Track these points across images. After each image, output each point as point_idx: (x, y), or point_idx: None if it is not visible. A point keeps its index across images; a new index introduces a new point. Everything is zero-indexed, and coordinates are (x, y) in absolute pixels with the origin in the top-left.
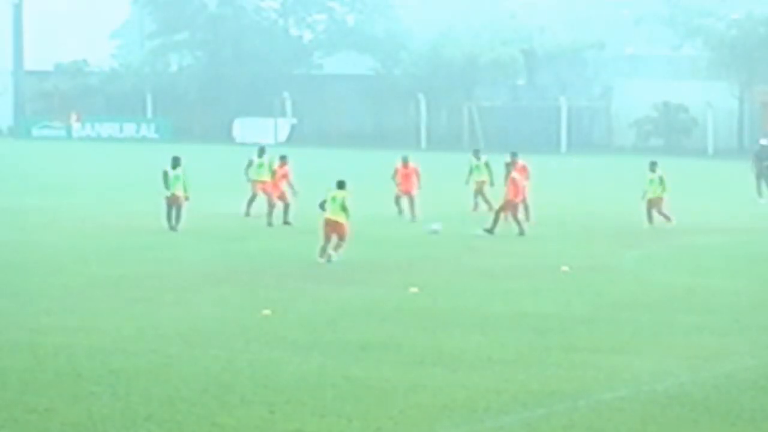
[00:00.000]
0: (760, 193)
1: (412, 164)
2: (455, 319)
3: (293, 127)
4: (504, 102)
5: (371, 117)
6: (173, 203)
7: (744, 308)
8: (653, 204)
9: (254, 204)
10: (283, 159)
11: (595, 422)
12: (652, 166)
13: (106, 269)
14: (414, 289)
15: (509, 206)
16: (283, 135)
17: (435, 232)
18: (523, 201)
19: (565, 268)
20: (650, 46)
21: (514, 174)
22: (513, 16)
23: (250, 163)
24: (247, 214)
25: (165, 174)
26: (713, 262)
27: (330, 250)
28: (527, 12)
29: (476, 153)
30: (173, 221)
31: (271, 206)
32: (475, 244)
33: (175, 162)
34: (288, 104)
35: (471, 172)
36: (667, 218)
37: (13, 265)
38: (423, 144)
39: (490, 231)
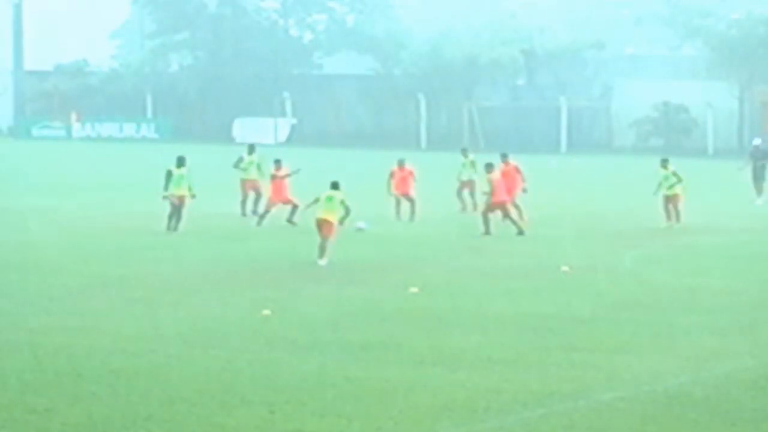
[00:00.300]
0: (758, 193)
1: (407, 166)
2: (455, 319)
3: (293, 127)
4: (504, 102)
5: (371, 117)
6: (177, 203)
7: (744, 308)
8: (671, 200)
9: (248, 203)
10: (277, 163)
11: (595, 422)
12: (664, 162)
13: (106, 269)
14: (414, 289)
15: (494, 208)
16: (283, 135)
17: (360, 229)
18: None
19: (565, 268)
20: (650, 46)
21: (493, 174)
22: (513, 16)
23: (240, 160)
24: (243, 214)
25: (169, 173)
26: (713, 262)
27: (318, 260)
28: (527, 12)
29: (464, 152)
30: (174, 221)
31: (267, 206)
32: (475, 244)
33: (180, 162)
34: (288, 104)
35: (461, 170)
36: (677, 217)
37: (13, 265)
38: (423, 144)
39: (486, 233)
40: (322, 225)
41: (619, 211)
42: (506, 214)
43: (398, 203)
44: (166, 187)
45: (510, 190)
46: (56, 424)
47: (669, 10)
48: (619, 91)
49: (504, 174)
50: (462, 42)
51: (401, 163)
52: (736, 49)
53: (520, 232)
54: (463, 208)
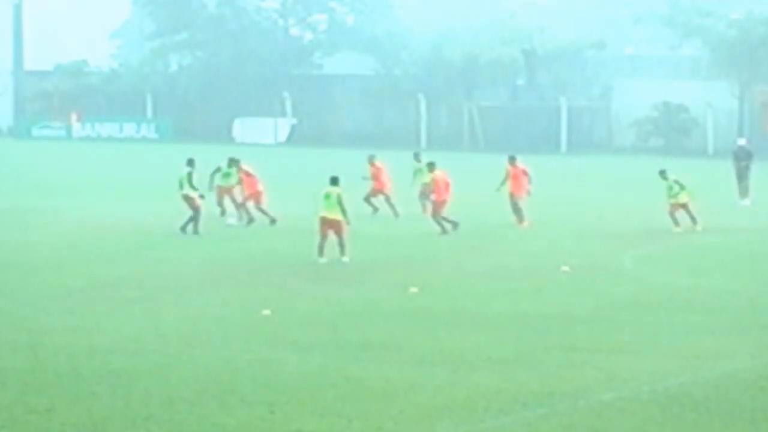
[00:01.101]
0: (741, 195)
1: (378, 163)
2: (455, 319)
3: (293, 127)
4: (504, 102)
5: (371, 117)
6: (194, 204)
7: (744, 308)
8: (679, 208)
9: (225, 204)
10: (236, 162)
11: (595, 422)
12: (663, 174)
13: (106, 269)
14: (414, 289)
15: (438, 207)
16: (283, 135)
17: (231, 225)
18: (513, 200)
19: (565, 268)
20: (650, 46)
21: (436, 173)
22: (513, 16)
23: (218, 170)
24: (222, 213)
25: (190, 175)
26: (713, 262)
27: (341, 257)
28: (527, 12)
29: (416, 156)
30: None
31: (245, 200)
32: (475, 244)
33: (191, 163)
34: (288, 104)
35: (415, 175)
36: (694, 221)
37: (13, 265)
38: (423, 144)
39: (443, 231)
40: (329, 224)
41: (619, 211)
42: (439, 213)
43: (368, 198)
44: (194, 188)
45: (516, 192)
46: (56, 424)
47: (669, 10)
48: (619, 91)
49: (512, 176)
50: (462, 42)
51: (372, 160)
52: (736, 49)
53: (443, 232)
54: (425, 211)
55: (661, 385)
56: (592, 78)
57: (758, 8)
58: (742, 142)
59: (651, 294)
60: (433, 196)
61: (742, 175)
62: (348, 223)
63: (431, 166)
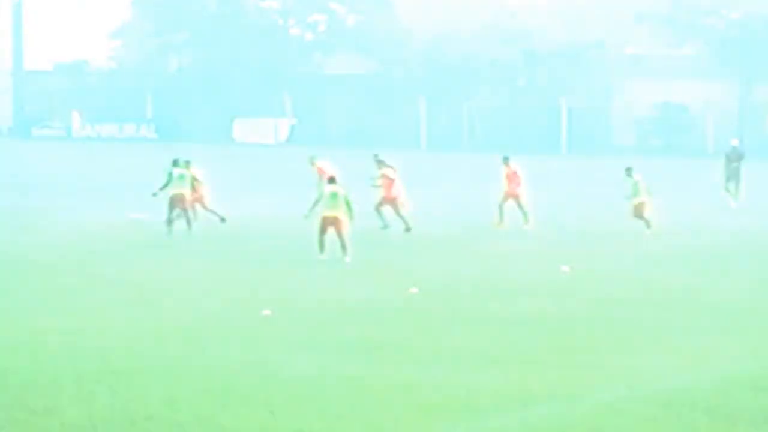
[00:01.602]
0: (733, 197)
1: (319, 162)
2: (455, 319)
3: (293, 127)
4: (504, 102)
5: (371, 117)
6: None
7: (743, 308)
8: (639, 208)
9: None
10: (189, 163)
11: (595, 422)
12: (629, 171)
13: (106, 269)
14: (414, 289)
15: (385, 202)
16: (283, 135)
17: (139, 221)
18: (517, 200)
19: (565, 268)
20: (651, 46)
21: (385, 170)
22: (513, 16)
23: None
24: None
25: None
26: (713, 262)
27: (343, 257)
28: (527, 12)
29: (376, 157)
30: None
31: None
32: (475, 244)
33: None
34: (288, 104)
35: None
36: (647, 224)
37: (13, 265)
38: (423, 144)
39: (384, 226)
40: (328, 222)
41: (618, 211)
42: (396, 210)
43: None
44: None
45: (511, 193)
46: (56, 424)
47: (669, 9)
48: (619, 91)
49: (506, 176)
50: (462, 42)
51: (312, 161)
52: (736, 49)
53: (408, 229)
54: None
55: (661, 385)
56: (592, 78)
57: (758, 8)
58: (734, 142)
59: (651, 294)
60: (382, 192)
61: (731, 177)
62: (351, 218)
63: (381, 163)
